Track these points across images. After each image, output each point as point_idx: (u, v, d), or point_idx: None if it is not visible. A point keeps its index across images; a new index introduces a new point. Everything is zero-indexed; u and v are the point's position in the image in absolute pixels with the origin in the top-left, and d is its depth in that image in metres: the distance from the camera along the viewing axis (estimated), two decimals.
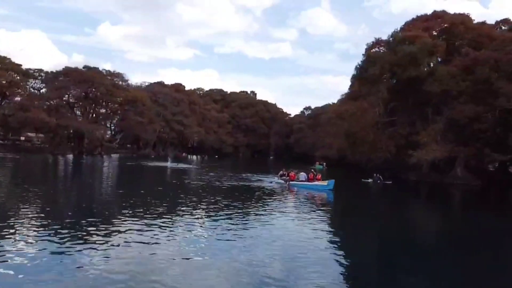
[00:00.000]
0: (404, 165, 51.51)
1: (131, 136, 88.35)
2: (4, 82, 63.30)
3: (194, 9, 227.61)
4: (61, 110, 70.62)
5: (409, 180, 47.91)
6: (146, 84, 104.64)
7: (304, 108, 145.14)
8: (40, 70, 71.03)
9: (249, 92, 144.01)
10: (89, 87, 71.09)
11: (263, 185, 29.12)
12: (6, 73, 63.53)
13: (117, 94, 75.12)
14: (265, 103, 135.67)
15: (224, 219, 15.08)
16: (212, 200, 20.47)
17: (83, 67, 75.04)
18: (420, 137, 43.39)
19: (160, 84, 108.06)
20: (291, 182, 29.36)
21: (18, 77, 66.37)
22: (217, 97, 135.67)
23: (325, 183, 27.98)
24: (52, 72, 72.12)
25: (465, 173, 46.53)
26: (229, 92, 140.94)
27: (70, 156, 62.67)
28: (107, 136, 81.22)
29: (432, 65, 42.02)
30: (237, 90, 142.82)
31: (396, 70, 43.90)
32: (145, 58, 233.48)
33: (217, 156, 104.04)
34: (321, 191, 26.99)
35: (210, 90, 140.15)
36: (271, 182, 30.94)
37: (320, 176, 30.26)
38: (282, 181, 30.19)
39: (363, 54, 53.28)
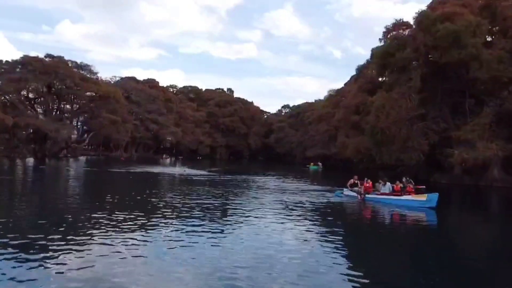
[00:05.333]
0: (426, 166, 45.14)
1: (100, 137, 78.12)
2: None
3: (158, 9, 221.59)
4: (19, 106, 60.04)
5: (439, 184, 41.41)
6: (117, 79, 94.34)
7: (282, 107, 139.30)
8: None
9: (225, 90, 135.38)
10: (53, 79, 60.75)
11: (325, 201, 20.28)
12: None
13: (86, 88, 64.98)
14: (243, 101, 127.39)
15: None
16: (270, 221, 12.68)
17: (45, 56, 64.31)
18: (462, 133, 36.67)
19: (133, 79, 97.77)
20: (367, 196, 20.77)
21: None
22: (192, 95, 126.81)
23: (422, 197, 18.99)
24: (7, 61, 61.07)
25: (503, 174, 40.24)
26: (204, 89, 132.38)
27: (31, 160, 52.75)
28: (74, 136, 70.61)
29: (475, 47, 35.21)
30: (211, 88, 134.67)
31: (433, 53, 37.02)
32: (108, 58, 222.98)
33: (199, 158, 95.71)
34: (415, 209, 18.24)
35: (184, 87, 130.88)
36: (340, 196, 22.15)
37: (411, 187, 20.92)
38: (354, 193, 21.35)
39: (380, 39, 46.65)
